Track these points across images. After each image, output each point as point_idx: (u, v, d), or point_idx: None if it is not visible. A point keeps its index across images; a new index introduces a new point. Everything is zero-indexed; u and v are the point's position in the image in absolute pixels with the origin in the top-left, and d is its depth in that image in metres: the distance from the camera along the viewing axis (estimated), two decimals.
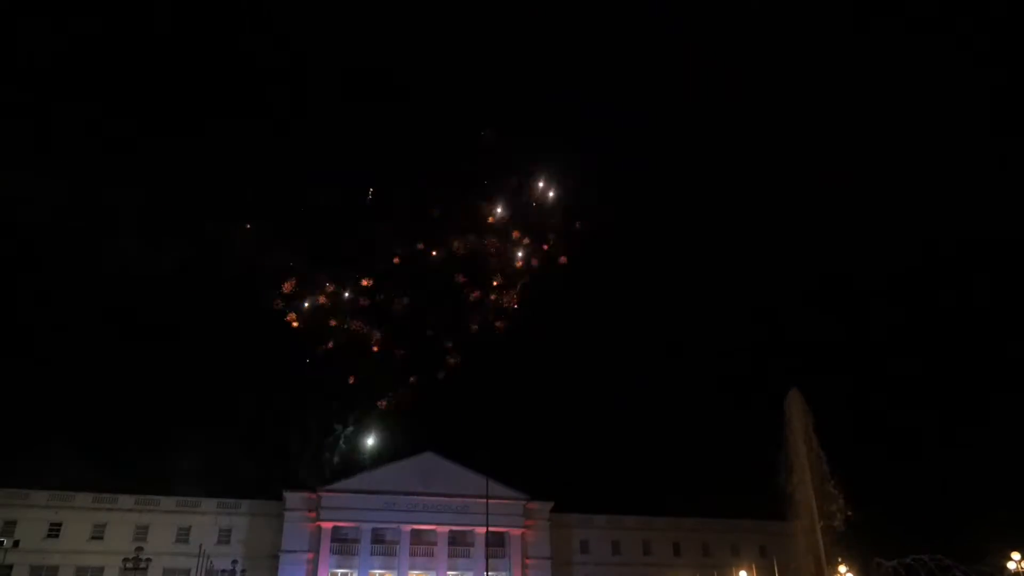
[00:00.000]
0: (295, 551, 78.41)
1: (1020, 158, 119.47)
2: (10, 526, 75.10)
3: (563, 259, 74.56)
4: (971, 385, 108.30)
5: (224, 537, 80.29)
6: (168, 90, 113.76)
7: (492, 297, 73.65)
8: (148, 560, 67.21)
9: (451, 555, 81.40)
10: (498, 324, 73.81)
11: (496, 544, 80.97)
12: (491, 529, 73.74)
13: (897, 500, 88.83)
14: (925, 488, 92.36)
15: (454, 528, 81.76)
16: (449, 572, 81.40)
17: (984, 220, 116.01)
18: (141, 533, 77.73)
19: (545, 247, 74.12)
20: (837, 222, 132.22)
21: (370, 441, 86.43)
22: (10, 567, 72.18)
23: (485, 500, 70.42)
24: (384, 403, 77.96)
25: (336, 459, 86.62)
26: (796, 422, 50.21)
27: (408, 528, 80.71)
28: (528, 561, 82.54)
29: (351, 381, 76.33)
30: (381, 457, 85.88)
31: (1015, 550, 53.82)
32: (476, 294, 73.81)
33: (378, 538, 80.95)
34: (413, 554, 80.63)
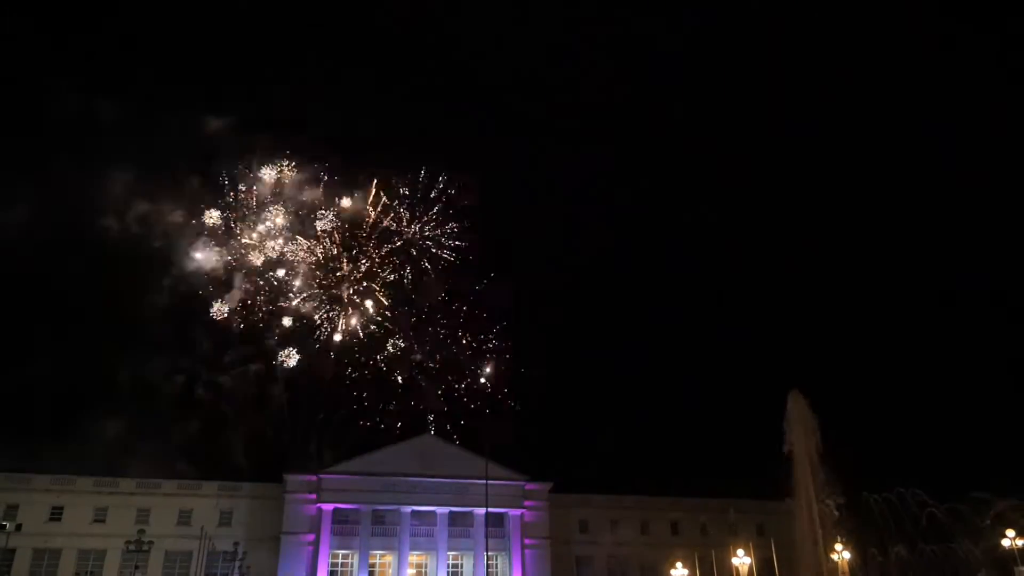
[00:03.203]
0: (296, 533, 78.86)
1: None
2: (12, 510, 75.21)
3: None
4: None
5: (226, 519, 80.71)
6: None
7: None
8: (150, 543, 67.56)
9: (451, 536, 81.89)
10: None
11: (496, 525, 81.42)
12: (490, 510, 74.17)
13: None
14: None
15: (454, 509, 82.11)
16: (449, 552, 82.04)
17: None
18: (143, 516, 78.11)
19: None
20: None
21: None
22: (13, 551, 72.57)
23: (484, 481, 70.72)
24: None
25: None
26: (798, 420, 50.85)
27: (408, 509, 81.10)
28: (527, 541, 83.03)
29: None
30: (381, 439, 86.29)
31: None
32: None
33: (379, 520, 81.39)
34: (414, 535, 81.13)
